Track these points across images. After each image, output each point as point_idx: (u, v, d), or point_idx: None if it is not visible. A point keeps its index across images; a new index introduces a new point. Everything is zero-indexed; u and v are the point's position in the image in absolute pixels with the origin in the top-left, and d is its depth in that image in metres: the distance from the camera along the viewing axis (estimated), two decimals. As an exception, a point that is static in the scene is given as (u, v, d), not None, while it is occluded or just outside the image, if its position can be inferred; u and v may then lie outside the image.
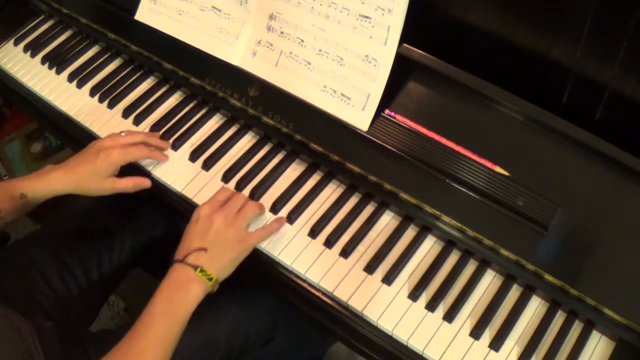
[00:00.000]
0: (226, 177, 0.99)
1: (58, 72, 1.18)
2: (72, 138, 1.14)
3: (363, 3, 0.90)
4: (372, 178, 0.92)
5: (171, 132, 1.06)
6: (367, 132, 0.92)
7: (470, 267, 0.87)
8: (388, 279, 0.86)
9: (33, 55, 1.22)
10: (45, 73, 1.19)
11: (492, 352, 0.80)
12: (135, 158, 0.98)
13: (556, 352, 0.79)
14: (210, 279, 0.82)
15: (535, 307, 0.84)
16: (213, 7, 1.05)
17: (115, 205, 1.15)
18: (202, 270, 0.81)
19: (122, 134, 0.99)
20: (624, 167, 0.80)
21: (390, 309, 0.84)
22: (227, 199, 0.90)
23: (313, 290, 0.88)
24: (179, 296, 0.80)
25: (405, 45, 0.91)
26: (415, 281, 0.86)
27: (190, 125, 1.06)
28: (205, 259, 0.83)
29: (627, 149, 0.80)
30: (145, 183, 0.97)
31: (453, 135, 0.88)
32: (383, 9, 0.89)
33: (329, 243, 0.90)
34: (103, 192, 0.96)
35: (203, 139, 1.04)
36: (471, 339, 0.81)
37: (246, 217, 0.88)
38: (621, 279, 0.78)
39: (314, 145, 0.96)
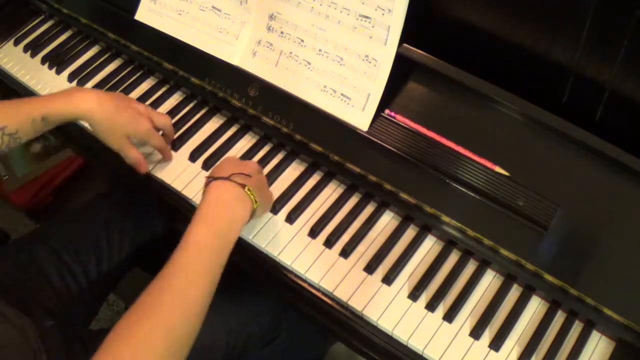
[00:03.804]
0: (226, 177, 0.99)
1: (58, 72, 1.18)
2: (72, 138, 1.14)
3: (363, 3, 0.90)
4: (372, 178, 0.92)
5: (171, 132, 1.06)
6: (367, 132, 0.92)
7: (470, 267, 0.87)
8: (388, 279, 0.86)
9: (33, 55, 1.22)
10: (46, 73, 1.19)
11: (492, 352, 0.80)
12: (153, 145, 0.98)
13: (556, 352, 0.79)
14: (256, 202, 0.76)
15: (535, 307, 0.84)
16: (213, 7, 1.05)
17: (115, 204, 1.15)
18: (250, 189, 0.75)
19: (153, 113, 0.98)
20: (624, 167, 0.80)
21: (390, 309, 0.84)
22: None
23: (313, 290, 0.88)
24: (225, 216, 0.72)
25: (405, 45, 0.91)
26: (415, 281, 0.86)
27: (190, 126, 1.06)
28: (251, 182, 0.77)
29: (627, 149, 0.80)
30: (142, 169, 0.97)
31: (453, 135, 0.88)
32: (383, 9, 0.89)
33: (329, 243, 0.90)
34: (113, 144, 0.94)
35: (203, 139, 1.04)
36: (471, 339, 0.81)
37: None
38: (621, 279, 0.78)
39: (314, 145, 0.96)
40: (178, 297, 0.67)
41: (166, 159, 1.01)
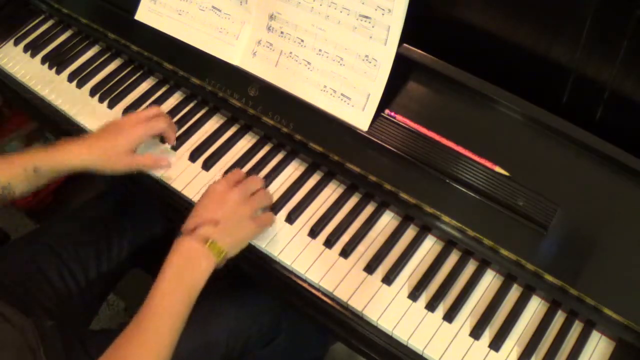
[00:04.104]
0: (226, 177, 0.99)
1: (58, 72, 1.18)
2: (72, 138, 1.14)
3: (363, 3, 0.90)
4: (372, 178, 0.92)
5: (171, 132, 1.06)
6: (367, 132, 0.92)
7: (470, 267, 0.87)
8: (388, 279, 0.86)
9: (33, 55, 1.22)
10: (45, 73, 1.19)
11: (492, 352, 0.80)
12: (157, 131, 0.98)
13: (556, 352, 0.79)
14: (220, 254, 0.80)
15: (535, 307, 0.84)
16: (213, 7, 1.05)
17: (115, 204, 1.15)
18: (212, 243, 0.79)
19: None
20: (624, 167, 0.80)
21: (390, 309, 0.84)
22: (240, 180, 0.89)
23: (313, 290, 0.88)
24: (187, 272, 0.78)
25: (405, 45, 0.91)
26: (415, 281, 0.86)
27: (190, 125, 1.06)
28: (217, 232, 0.81)
29: (627, 149, 0.80)
30: (163, 162, 0.97)
31: (453, 135, 0.88)
32: (383, 9, 0.89)
33: (329, 243, 0.90)
34: (121, 168, 0.94)
35: (203, 139, 1.04)
36: (471, 339, 0.81)
37: (261, 200, 0.88)
38: (621, 279, 0.78)
39: (313, 145, 0.96)
40: (149, 343, 0.74)
41: (170, 142, 1.01)
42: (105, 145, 0.93)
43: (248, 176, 0.92)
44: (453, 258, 0.88)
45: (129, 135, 0.93)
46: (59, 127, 1.15)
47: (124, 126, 0.95)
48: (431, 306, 0.83)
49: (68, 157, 0.92)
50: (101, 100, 1.13)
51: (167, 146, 1.03)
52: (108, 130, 0.95)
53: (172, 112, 1.09)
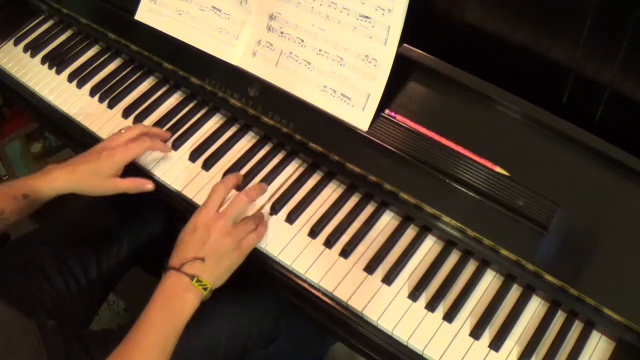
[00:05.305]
0: (226, 177, 0.99)
1: (58, 72, 1.18)
2: (72, 138, 1.14)
3: (363, 3, 0.90)
4: (372, 178, 0.92)
5: (171, 132, 1.05)
6: (367, 132, 0.92)
7: (470, 267, 0.87)
8: (388, 279, 0.86)
9: (33, 55, 1.22)
10: (45, 73, 1.19)
11: (492, 352, 0.80)
12: (139, 153, 0.98)
13: (556, 352, 0.79)
14: (206, 288, 0.82)
15: (535, 307, 0.84)
16: (213, 7, 1.05)
17: (115, 204, 1.15)
18: (198, 280, 0.81)
19: (122, 131, 0.99)
20: (624, 167, 0.80)
21: (390, 309, 0.84)
22: (223, 200, 0.89)
23: (313, 290, 0.88)
24: (174, 305, 0.80)
25: (405, 45, 0.91)
26: (415, 281, 0.86)
27: (190, 125, 1.06)
28: (202, 269, 0.82)
29: (627, 149, 0.80)
30: (147, 185, 0.97)
31: (453, 135, 0.88)
32: (383, 9, 0.89)
33: (329, 243, 0.90)
34: (104, 192, 0.95)
35: (203, 139, 1.04)
36: (471, 339, 0.81)
37: (245, 228, 0.88)
38: (621, 279, 0.78)
39: (313, 145, 0.96)
40: None
41: (163, 150, 1.01)
42: (85, 170, 0.94)
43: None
44: (453, 258, 0.88)
45: (112, 158, 0.94)
46: (59, 127, 1.16)
47: (106, 149, 0.95)
48: (431, 306, 0.83)
49: (53, 181, 0.93)
50: (101, 100, 1.13)
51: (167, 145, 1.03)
52: (91, 152, 0.96)
53: (172, 112, 1.09)
